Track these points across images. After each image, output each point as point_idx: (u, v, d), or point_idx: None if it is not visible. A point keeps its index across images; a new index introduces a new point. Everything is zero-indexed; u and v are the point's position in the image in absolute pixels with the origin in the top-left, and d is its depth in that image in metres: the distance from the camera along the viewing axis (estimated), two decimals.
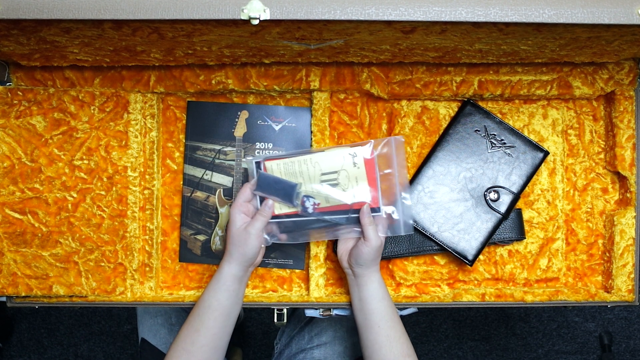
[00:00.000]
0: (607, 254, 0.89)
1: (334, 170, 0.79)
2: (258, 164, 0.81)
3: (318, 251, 0.88)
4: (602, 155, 0.91)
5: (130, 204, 0.87)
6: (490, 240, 0.87)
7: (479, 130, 0.88)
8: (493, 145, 0.88)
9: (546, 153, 0.88)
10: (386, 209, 0.80)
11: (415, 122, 0.90)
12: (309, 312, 0.89)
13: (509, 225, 0.88)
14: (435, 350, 1.71)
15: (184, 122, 0.91)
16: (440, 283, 0.90)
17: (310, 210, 0.80)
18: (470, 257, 0.86)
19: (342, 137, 0.90)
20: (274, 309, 0.89)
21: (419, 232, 0.88)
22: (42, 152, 0.85)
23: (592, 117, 0.91)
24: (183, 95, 0.90)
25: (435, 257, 0.90)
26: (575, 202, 0.91)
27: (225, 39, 0.70)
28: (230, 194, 0.91)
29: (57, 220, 0.86)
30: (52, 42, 0.71)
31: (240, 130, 0.91)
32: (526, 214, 0.90)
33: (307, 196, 0.80)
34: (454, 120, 0.89)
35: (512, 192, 0.87)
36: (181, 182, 0.92)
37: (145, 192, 0.89)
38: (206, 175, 0.91)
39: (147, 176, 0.89)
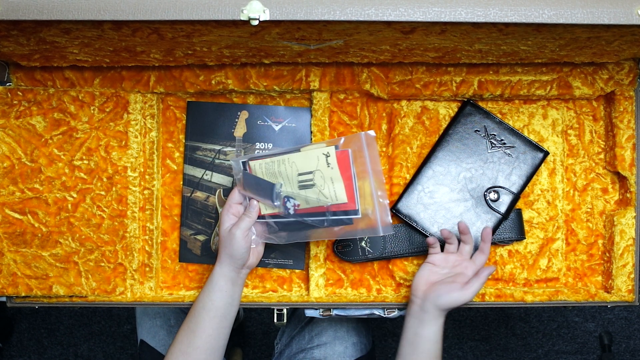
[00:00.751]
0: (607, 254, 0.89)
1: (310, 171, 0.76)
2: (244, 163, 0.80)
3: (318, 251, 0.88)
4: (602, 156, 0.91)
5: (130, 204, 0.87)
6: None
7: (478, 131, 0.88)
8: (493, 145, 0.88)
9: (546, 153, 0.88)
10: (362, 208, 0.76)
11: (415, 122, 0.90)
12: (309, 312, 0.89)
13: (509, 226, 0.88)
14: None
15: (184, 122, 0.91)
16: None
17: (291, 211, 0.78)
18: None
19: None
20: (274, 309, 0.89)
21: (419, 232, 0.88)
22: (42, 152, 0.85)
23: (592, 117, 0.91)
24: (183, 95, 0.90)
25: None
26: (575, 202, 0.91)
27: (225, 40, 0.70)
28: None
29: (57, 220, 0.86)
30: (52, 43, 0.71)
31: (240, 130, 0.91)
32: (526, 214, 0.90)
33: (288, 197, 0.78)
34: (454, 121, 0.89)
35: (512, 192, 0.87)
36: (181, 182, 0.92)
37: (145, 192, 0.89)
38: (206, 175, 0.91)
39: (147, 176, 0.89)
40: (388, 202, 0.77)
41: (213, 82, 0.87)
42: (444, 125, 0.90)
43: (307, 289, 0.90)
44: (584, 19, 0.60)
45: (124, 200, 0.87)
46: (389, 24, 0.62)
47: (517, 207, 0.90)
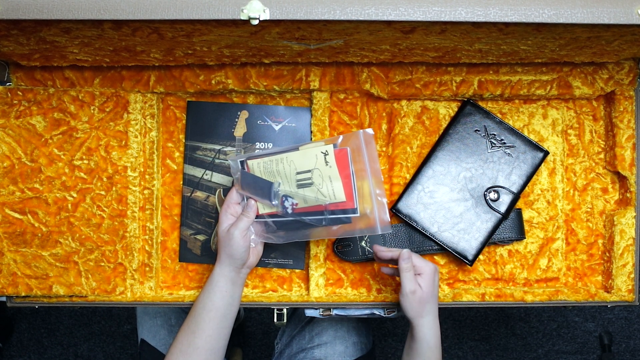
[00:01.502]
0: (607, 254, 0.89)
1: (308, 169, 0.76)
2: (242, 163, 0.80)
3: (318, 251, 0.88)
4: (602, 155, 0.91)
5: (130, 204, 0.87)
6: (490, 240, 0.87)
7: (478, 130, 0.88)
8: (493, 145, 0.88)
9: (546, 153, 0.88)
10: (361, 207, 0.75)
11: (415, 122, 0.90)
12: (309, 312, 0.89)
13: (509, 225, 0.88)
14: None
15: (184, 122, 0.91)
16: (440, 283, 0.90)
17: (289, 210, 0.78)
18: (470, 257, 0.86)
19: None
20: (274, 309, 0.89)
21: (419, 232, 0.88)
22: (42, 152, 0.85)
23: (592, 117, 0.91)
24: (183, 95, 0.90)
25: (435, 257, 0.90)
26: (575, 202, 0.91)
27: (225, 39, 0.70)
28: None
29: (57, 220, 0.86)
30: (52, 42, 0.71)
31: (240, 130, 0.91)
32: (526, 214, 0.90)
33: (286, 196, 0.77)
34: (454, 120, 0.89)
35: (512, 192, 0.87)
36: (181, 182, 0.92)
37: (145, 192, 0.89)
38: (206, 175, 0.91)
39: (147, 176, 0.89)
40: (387, 200, 0.77)
41: (213, 81, 0.87)
42: (444, 125, 0.90)
43: (307, 288, 0.90)
44: (584, 18, 0.60)
45: (124, 200, 0.87)
46: (389, 23, 0.62)
47: (517, 207, 0.90)
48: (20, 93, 0.85)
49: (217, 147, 0.91)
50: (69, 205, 0.86)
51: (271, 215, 0.79)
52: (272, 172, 0.78)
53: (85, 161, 0.86)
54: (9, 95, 0.85)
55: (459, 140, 0.88)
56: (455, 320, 1.72)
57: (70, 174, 0.86)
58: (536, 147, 0.88)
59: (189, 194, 0.92)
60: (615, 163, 0.87)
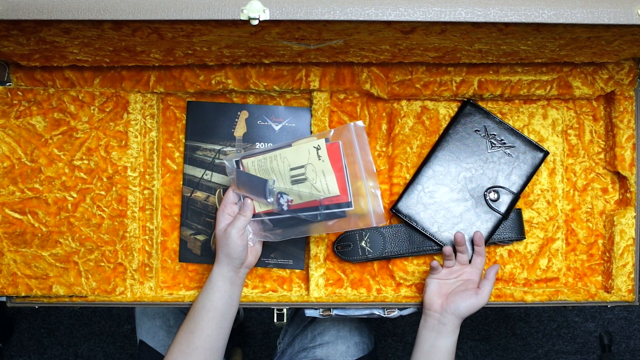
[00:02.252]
0: (607, 254, 0.89)
1: (301, 165, 0.76)
2: (237, 162, 0.80)
3: (318, 251, 0.88)
4: (602, 155, 0.91)
5: (130, 204, 0.87)
6: (490, 240, 0.87)
7: (478, 130, 0.88)
8: (493, 145, 0.88)
9: (546, 153, 0.88)
10: (355, 200, 0.76)
11: (415, 122, 0.90)
12: (309, 312, 0.89)
13: (509, 225, 0.88)
14: None
15: (184, 122, 0.91)
16: None
17: (285, 207, 0.78)
18: (470, 258, 0.86)
19: None
20: (274, 309, 0.89)
21: (419, 232, 0.88)
22: (42, 152, 0.85)
23: (592, 117, 0.91)
24: (183, 95, 0.90)
25: (436, 257, 0.90)
26: (575, 202, 0.91)
27: (225, 39, 0.70)
28: None
29: (57, 220, 0.86)
30: (52, 43, 0.71)
31: (240, 130, 0.91)
32: (526, 214, 0.90)
33: (281, 193, 0.78)
34: (454, 120, 0.89)
35: (512, 192, 0.87)
36: (181, 182, 0.92)
37: (145, 192, 0.89)
38: (206, 175, 0.91)
39: (147, 176, 0.89)
40: (380, 192, 0.77)
41: (213, 82, 0.87)
42: (444, 125, 0.90)
43: (307, 288, 0.90)
44: (584, 18, 0.60)
45: (124, 200, 0.87)
46: (389, 23, 0.62)
47: (517, 207, 0.90)
48: (20, 93, 0.85)
49: (217, 147, 0.91)
50: (69, 206, 0.86)
51: (267, 213, 0.79)
52: (267, 169, 0.78)
53: (85, 161, 0.86)
54: (9, 95, 0.85)
55: (459, 141, 0.88)
56: None
57: (70, 174, 0.86)
58: (536, 147, 0.88)
59: (189, 194, 0.92)
60: (615, 163, 0.87)
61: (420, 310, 0.86)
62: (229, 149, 0.91)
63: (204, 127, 0.91)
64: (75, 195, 0.86)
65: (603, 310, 1.72)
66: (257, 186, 0.78)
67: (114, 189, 0.86)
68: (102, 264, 0.86)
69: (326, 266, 0.90)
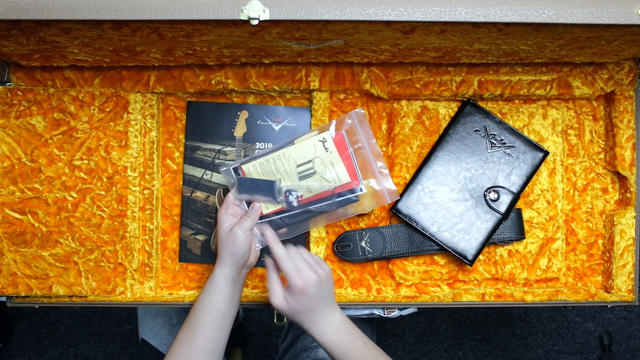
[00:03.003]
0: (607, 254, 0.89)
1: (308, 160, 0.79)
2: (236, 169, 0.81)
3: (318, 251, 0.88)
4: (602, 155, 0.91)
5: (130, 204, 0.87)
6: (490, 240, 0.87)
7: (478, 130, 0.88)
8: (493, 145, 0.88)
9: (546, 153, 0.88)
10: (366, 183, 0.80)
11: (415, 122, 0.90)
12: None
13: (509, 225, 0.88)
14: (435, 350, 1.71)
15: (184, 122, 0.91)
16: (440, 283, 0.90)
17: (294, 203, 0.80)
18: (470, 257, 0.86)
19: None
20: (274, 309, 0.89)
21: (419, 232, 0.88)
22: (42, 152, 0.85)
23: (592, 117, 0.91)
24: (183, 95, 0.90)
25: (435, 257, 0.90)
26: (575, 202, 0.91)
27: (225, 39, 0.70)
28: None
29: (57, 220, 0.86)
30: (51, 43, 0.71)
31: (240, 130, 0.91)
32: (526, 214, 0.90)
33: (289, 190, 0.80)
34: (454, 120, 0.89)
35: (512, 192, 0.87)
36: (181, 182, 0.92)
37: (145, 192, 0.89)
38: (206, 175, 0.91)
39: (147, 176, 0.89)
40: (388, 171, 0.82)
41: (213, 82, 0.87)
42: (444, 125, 0.90)
43: None
44: (584, 18, 0.60)
45: (124, 200, 0.87)
46: (388, 23, 0.62)
47: (517, 207, 0.90)
48: (20, 93, 0.85)
49: (217, 147, 0.91)
50: (69, 205, 0.86)
51: (277, 212, 0.81)
52: (271, 171, 0.79)
53: (85, 161, 0.86)
54: (9, 95, 0.85)
55: (459, 140, 0.88)
56: (455, 320, 1.72)
57: (70, 174, 0.86)
58: (536, 147, 0.88)
59: (189, 194, 0.92)
60: (615, 163, 0.87)
61: (420, 309, 0.86)
62: (229, 148, 0.91)
63: (204, 127, 0.91)
64: (75, 195, 0.86)
65: (603, 310, 1.72)
66: (264, 188, 0.79)
67: (114, 189, 0.86)
68: (102, 264, 0.86)
69: None
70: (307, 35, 0.68)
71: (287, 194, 0.80)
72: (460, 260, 0.87)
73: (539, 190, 0.90)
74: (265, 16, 0.60)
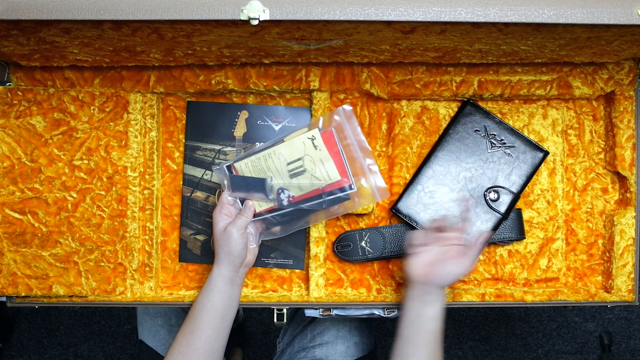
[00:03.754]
0: (607, 254, 0.89)
1: (298, 158, 0.79)
2: (229, 167, 0.81)
3: (318, 251, 0.88)
4: (602, 155, 0.91)
5: (130, 204, 0.87)
6: (490, 240, 0.87)
7: (478, 130, 0.88)
8: (493, 145, 0.88)
9: (546, 153, 0.88)
10: (355, 180, 0.80)
11: (415, 122, 0.90)
12: (309, 312, 0.89)
13: (509, 225, 0.88)
14: None
15: (184, 122, 0.91)
16: None
17: (285, 202, 0.80)
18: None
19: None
20: (274, 309, 0.89)
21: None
22: (42, 152, 0.85)
23: (592, 117, 0.91)
24: (183, 95, 0.90)
25: None
26: (575, 202, 0.91)
27: (225, 39, 0.70)
28: None
29: (57, 220, 0.86)
30: (51, 43, 0.71)
31: (240, 130, 0.91)
32: (526, 214, 0.90)
33: (282, 189, 0.80)
34: (454, 120, 0.89)
35: (512, 192, 0.87)
36: (181, 182, 0.92)
37: (145, 192, 0.89)
38: (206, 175, 0.91)
39: (147, 176, 0.89)
40: (378, 168, 0.82)
41: (213, 82, 0.87)
42: (444, 125, 0.90)
43: (307, 288, 0.90)
44: (584, 18, 0.60)
45: (124, 200, 0.87)
46: (389, 23, 0.62)
47: (517, 207, 0.90)
48: (20, 93, 0.85)
49: (217, 147, 0.91)
50: (69, 205, 0.86)
51: (269, 211, 0.81)
52: (262, 168, 0.80)
53: (85, 161, 0.86)
54: (9, 95, 0.85)
55: (459, 140, 0.88)
56: (455, 320, 1.72)
57: (70, 174, 0.86)
58: (536, 147, 0.88)
59: (189, 194, 0.92)
60: (615, 163, 0.87)
61: None
62: (229, 149, 0.91)
63: (204, 127, 0.91)
64: (75, 195, 0.86)
65: (603, 310, 1.72)
66: (255, 186, 0.80)
67: (114, 189, 0.86)
68: (102, 264, 0.86)
69: (326, 266, 0.90)
70: (307, 35, 0.68)
71: (280, 192, 0.80)
72: None
73: (539, 190, 0.90)
74: (265, 16, 0.60)
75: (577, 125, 0.91)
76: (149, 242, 0.89)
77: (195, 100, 0.91)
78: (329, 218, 0.85)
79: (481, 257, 0.90)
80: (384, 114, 0.91)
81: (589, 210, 0.91)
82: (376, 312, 0.89)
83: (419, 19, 0.61)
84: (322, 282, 0.89)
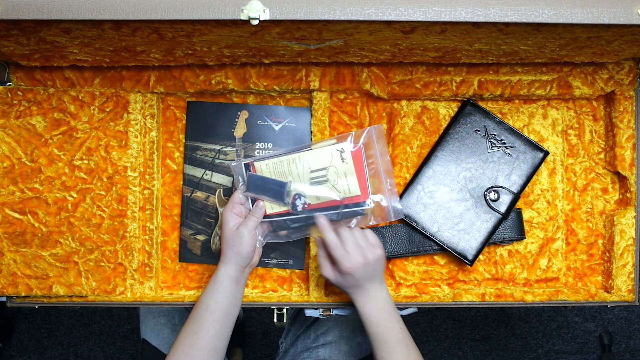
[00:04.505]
0: (607, 254, 0.89)
1: (323, 167, 0.80)
2: (247, 165, 0.81)
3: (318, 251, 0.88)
4: (602, 155, 0.91)
5: (130, 204, 0.87)
6: (490, 240, 0.87)
7: (478, 130, 0.88)
8: (493, 145, 0.88)
9: (546, 153, 0.88)
10: (374, 198, 0.81)
11: (415, 122, 0.90)
12: (309, 312, 0.89)
13: (509, 225, 0.88)
14: (435, 350, 1.71)
15: (184, 122, 0.91)
16: (440, 283, 0.90)
17: (299, 208, 0.81)
18: (470, 257, 0.86)
19: None
20: (274, 309, 0.89)
21: (418, 232, 0.88)
22: (42, 152, 0.85)
23: (592, 117, 0.91)
24: (183, 95, 0.90)
25: (435, 257, 0.90)
26: (575, 202, 0.91)
27: (225, 39, 0.70)
28: (230, 194, 0.91)
29: (57, 220, 0.86)
30: (52, 43, 0.71)
31: (240, 130, 0.91)
32: (526, 214, 0.90)
33: (298, 194, 0.80)
34: (454, 120, 0.89)
35: (512, 192, 0.87)
36: (181, 182, 0.92)
37: (145, 192, 0.89)
38: (206, 175, 0.91)
39: (147, 176, 0.89)
40: (397, 190, 0.83)
41: (213, 82, 0.87)
42: (444, 125, 0.90)
43: (307, 288, 0.90)
44: (584, 18, 0.60)
45: (124, 200, 0.87)
46: (389, 23, 0.62)
47: (517, 207, 0.90)
48: (20, 93, 0.85)
49: (217, 147, 0.91)
50: (69, 205, 0.86)
51: (281, 214, 0.81)
52: (284, 172, 0.81)
53: (85, 161, 0.86)
54: (9, 95, 0.85)
55: (459, 140, 0.88)
56: (455, 320, 1.72)
57: (70, 174, 0.86)
58: (536, 147, 0.88)
59: (189, 194, 0.92)
60: (615, 163, 0.87)
61: (420, 309, 0.86)
62: (229, 148, 0.91)
63: (204, 127, 0.91)
64: (75, 195, 0.86)
65: (603, 310, 1.72)
66: (273, 188, 0.80)
67: (114, 189, 0.86)
68: (102, 264, 0.86)
69: None
70: (307, 35, 0.68)
71: (296, 197, 0.80)
72: (460, 260, 0.87)
73: (539, 190, 0.90)
74: (266, 16, 0.60)
75: (577, 125, 0.91)
76: (149, 242, 0.89)
77: (195, 100, 0.91)
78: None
79: (481, 257, 0.90)
80: (384, 114, 0.91)
81: (589, 210, 0.91)
82: None
83: (419, 19, 0.61)
84: (322, 282, 0.89)
